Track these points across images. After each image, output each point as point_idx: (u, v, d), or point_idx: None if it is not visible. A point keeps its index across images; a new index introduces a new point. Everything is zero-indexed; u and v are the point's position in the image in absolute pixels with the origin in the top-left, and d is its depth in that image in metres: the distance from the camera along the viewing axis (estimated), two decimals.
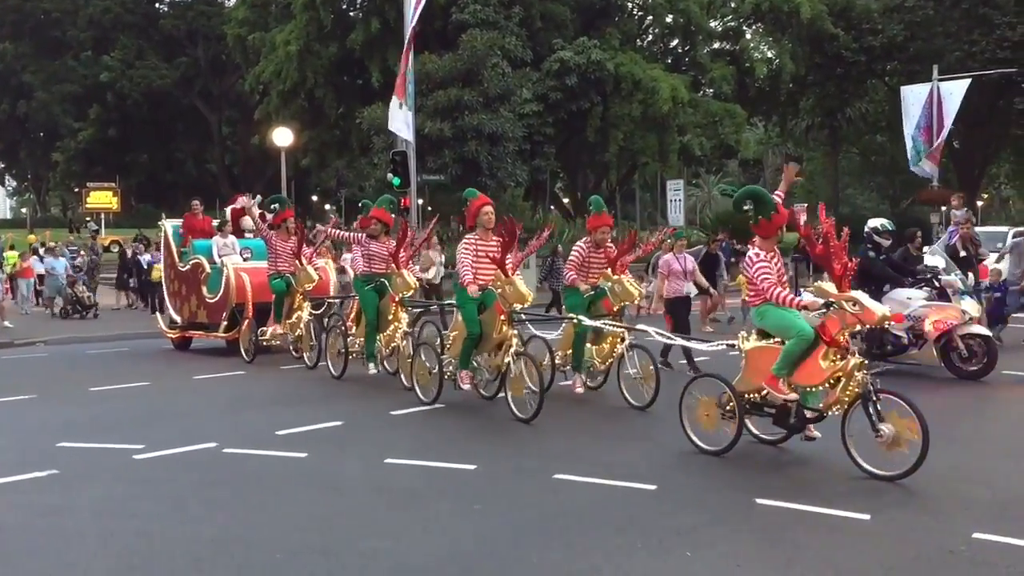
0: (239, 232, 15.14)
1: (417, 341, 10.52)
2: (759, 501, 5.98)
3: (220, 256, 14.29)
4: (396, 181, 20.62)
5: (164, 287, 15.69)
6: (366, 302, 11.16)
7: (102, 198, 47.88)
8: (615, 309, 9.59)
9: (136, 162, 60.87)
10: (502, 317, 8.72)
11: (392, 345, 10.69)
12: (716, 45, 41.17)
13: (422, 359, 9.73)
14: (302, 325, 12.47)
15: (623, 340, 9.16)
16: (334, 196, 56.72)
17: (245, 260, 14.35)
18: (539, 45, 33.11)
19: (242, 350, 13.21)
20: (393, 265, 10.64)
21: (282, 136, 27.84)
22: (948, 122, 28.19)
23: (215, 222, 15.62)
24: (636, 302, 10.65)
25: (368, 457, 7.38)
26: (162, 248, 16.07)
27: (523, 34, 32.14)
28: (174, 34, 57.37)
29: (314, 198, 63.71)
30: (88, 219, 48.33)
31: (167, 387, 11.46)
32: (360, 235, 11.55)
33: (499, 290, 8.74)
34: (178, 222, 15.81)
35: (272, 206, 13.67)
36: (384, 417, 9.06)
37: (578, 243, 9.99)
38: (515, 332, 8.77)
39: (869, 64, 38.48)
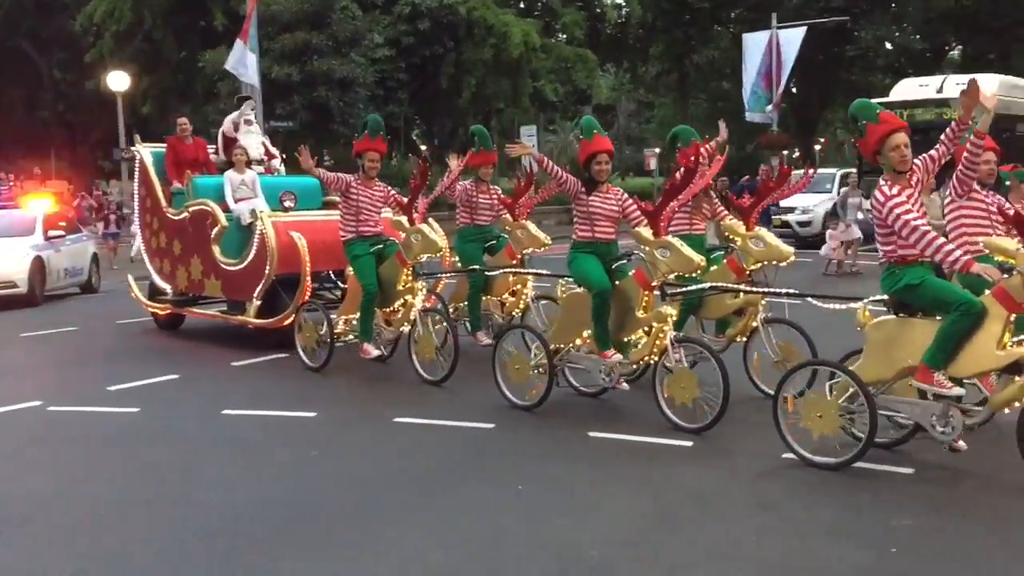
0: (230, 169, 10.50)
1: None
2: (591, 434, 6.22)
3: (238, 200, 9.92)
4: None
5: (141, 239, 11.34)
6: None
7: None
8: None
9: None
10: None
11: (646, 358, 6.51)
12: None
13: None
14: (414, 315, 8.00)
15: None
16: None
17: (287, 209, 9.91)
18: None
19: (299, 350, 8.62)
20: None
21: (117, 80, 26.41)
22: (787, 69, 29.42)
23: (212, 151, 11.25)
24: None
25: (204, 409, 7.22)
26: (136, 184, 11.46)
27: None
28: None
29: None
30: None
31: None
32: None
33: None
34: (160, 147, 11.18)
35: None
36: (225, 369, 8.84)
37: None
38: None
39: (713, 11, 39.45)
